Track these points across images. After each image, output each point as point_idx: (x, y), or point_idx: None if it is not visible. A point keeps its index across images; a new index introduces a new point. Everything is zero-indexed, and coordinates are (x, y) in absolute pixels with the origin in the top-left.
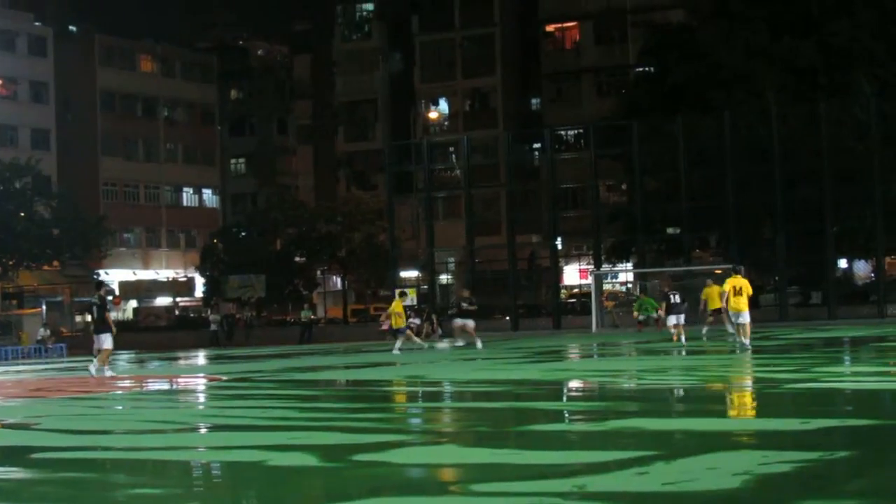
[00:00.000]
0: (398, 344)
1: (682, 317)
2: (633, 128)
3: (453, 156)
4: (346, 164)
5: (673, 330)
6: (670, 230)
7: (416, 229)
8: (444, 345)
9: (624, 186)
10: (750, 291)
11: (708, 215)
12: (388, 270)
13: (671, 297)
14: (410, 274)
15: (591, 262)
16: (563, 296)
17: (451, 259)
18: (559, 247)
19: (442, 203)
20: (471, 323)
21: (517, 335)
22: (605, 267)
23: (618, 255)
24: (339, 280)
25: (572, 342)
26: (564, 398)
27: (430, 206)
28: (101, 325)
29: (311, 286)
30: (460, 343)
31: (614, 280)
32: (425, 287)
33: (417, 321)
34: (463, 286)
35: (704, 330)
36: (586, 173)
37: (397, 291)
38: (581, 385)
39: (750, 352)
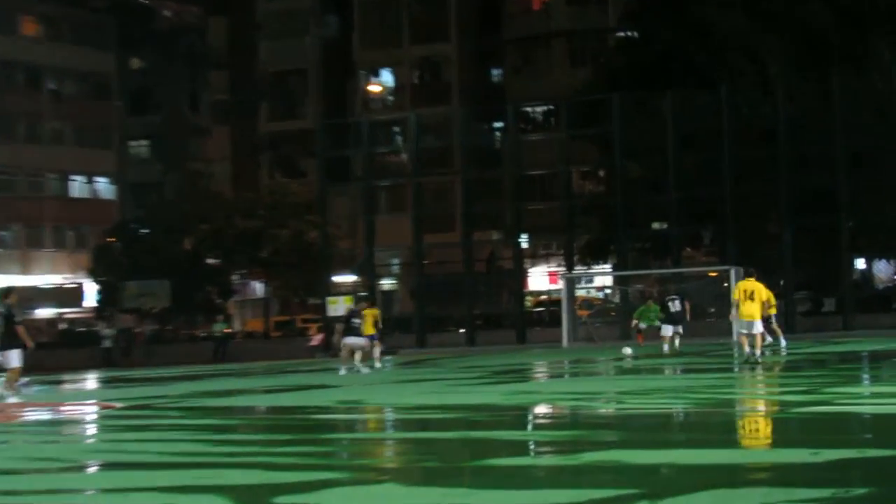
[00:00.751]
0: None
1: (680, 327)
2: (613, 103)
3: (399, 137)
4: (271, 148)
5: (666, 346)
6: (656, 225)
7: (353, 225)
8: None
9: (601, 174)
10: (764, 297)
11: (701, 208)
12: (320, 275)
13: (670, 304)
14: (346, 279)
15: (563, 263)
16: (528, 304)
17: (396, 261)
18: (524, 245)
19: (385, 194)
20: (361, 341)
21: (474, 351)
22: (579, 269)
23: (594, 256)
24: (260, 287)
25: (539, 359)
26: (529, 426)
27: (371, 198)
28: (9, 340)
29: (227, 294)
30: (344, 371)
31: (589, 285)
32: (364, 294)
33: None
34: (410, 292)
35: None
36: (557, 158)
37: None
38: (550, 410)
39: (760, 367)
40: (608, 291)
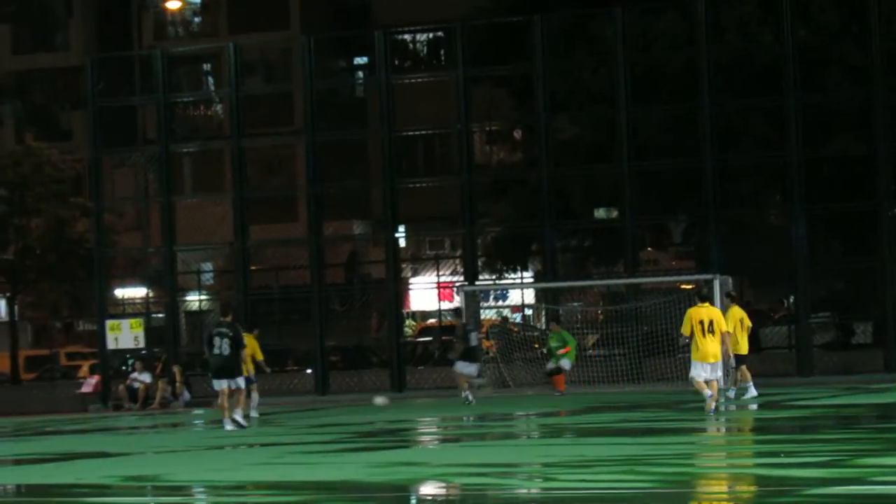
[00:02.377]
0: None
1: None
2: (535, 28)
3: (210, 79)
4: (18, 95)
5: (468, 393)
6: (601, 213)
7: (143, 211)
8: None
9: (517, 134)
10: (723, 327)
11: (669, 187)
12: (92, 285)
13: (470, 335)
14: (134, 292)
15: (460, 270)
16: (408, 332)
17: (208, 266)
18: (402, 244)
19: (191, 164)
20: (473, 370)
21: (327, 402)
22: (485, 280)
23: (507, 259)
24: (2, 303)
25: (426, 414)
26: None
27: (169, 172)
28: None
29: None
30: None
31: (501, 303)
32: (159, 315)
33: (146, 378)
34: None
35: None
36: (449, 111)
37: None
38: (441, 492)
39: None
40: (529, 312)
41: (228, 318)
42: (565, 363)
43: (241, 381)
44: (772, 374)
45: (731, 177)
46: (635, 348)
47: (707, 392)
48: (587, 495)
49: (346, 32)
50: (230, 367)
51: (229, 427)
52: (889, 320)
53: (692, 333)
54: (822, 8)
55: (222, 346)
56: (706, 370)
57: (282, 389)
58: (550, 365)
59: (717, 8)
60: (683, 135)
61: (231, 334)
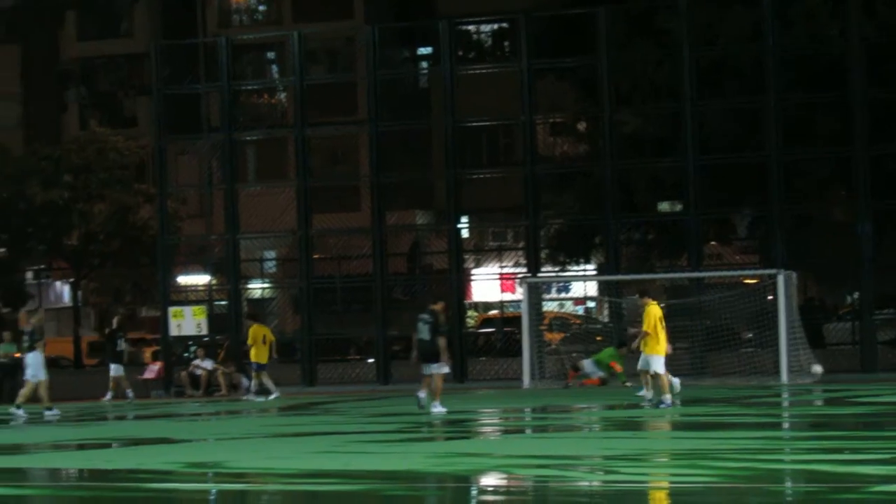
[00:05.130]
0: (253, 383)
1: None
2: (599, 21)
3: (274, 68)
4: (82, 81)
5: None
6: (665, 206)
7: (206, 199)
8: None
9: (581, 127)
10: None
11: (733, 181)
12: (155, 272)
13: (420, 325)
14: (197, 279)
15: (522, 261)
16: (471, 323)
17: (271, 254)
18: (464, 234)
19: (254, 153)
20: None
21: (388, 391)
22: (548, 271)
23: (570, 252)
24: (66, 289)
25: (487, 405)
26: None
27: (233, 160)
28: None
29: (17, 299)
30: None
31: (564, 295)
32: (222, 302)
33: (208, 365)
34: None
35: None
36: (512, 102)
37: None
38: (502, 483)
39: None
40: (592, 305)
41: (437, 307)
42: (595, 370)
43: (440, 367)
44: (836, 371)
45: (796, 171)
46: (698, 342)
47: (676, 381)
48: (648, 489)
49: (411, 22)
50: (431, 352)
51: (437, 409)
52: None
53: (654, 329)
54: (889, 2)
55: (423, 332)
56: (656, 363)
57: (343, 378)
58: (591, 369)
59: (783, 1)
60: (748, 129)
61: (431, 321)
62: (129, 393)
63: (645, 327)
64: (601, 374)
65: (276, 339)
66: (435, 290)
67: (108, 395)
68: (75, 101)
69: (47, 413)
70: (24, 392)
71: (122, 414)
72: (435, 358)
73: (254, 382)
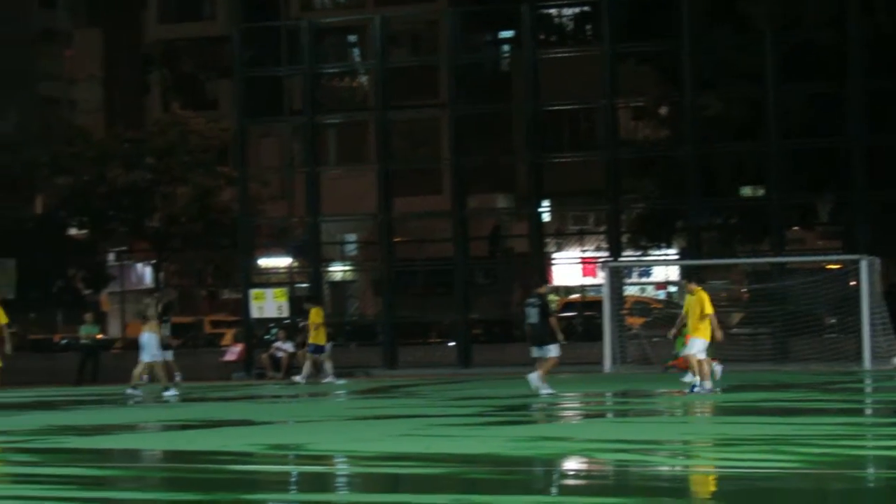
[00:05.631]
0: (305, 370)
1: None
2: (682, 5)
3: (355, 51)
4: (163, 64)
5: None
6: (747, 191)
7: (288, 182)
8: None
9: (663, 111)
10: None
11: (817, 165)
12: (237, 254)
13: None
14: (278, 261)
15: (604, 245)
16: (552, 306)
17: (352, 237)
18: (545, 218)
19: (335, 136)
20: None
21: (469, 374)
22: (629, 255)
23: (651, 236)
24: (148, 271)
25: (568, 389)
26: (553, 491)
27: (314, 142)
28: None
29: (100, 281)
30: None
31: (645, 279)
32: (303, 285)
33: (289, 347)
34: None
35: None
36: (594, 86)
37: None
38: (583, 467)
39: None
40: (673, 290)
41: (543, 289)
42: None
43: (551, 350)
44: None
45: (880, 156)
46: (780, 327)
47: (718, 368)
48: (730, 474)
49: (493, 6)
50: (542, 335)
51: (545, 391)
52: None
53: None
54: None
55: (532, 316)
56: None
57: (424, 361)
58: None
59: None
60: (831, 113)
61: (539, 304)
62: (178, 376)
63: (708, 311)
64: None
65: (356, 320)
66: (518, 275)
67: (145, 380)
68: (157, 83)
69: (166, 393)
70: (136, 371)
71: (204, 396)
72: (550, 339)
73: (307, 365)
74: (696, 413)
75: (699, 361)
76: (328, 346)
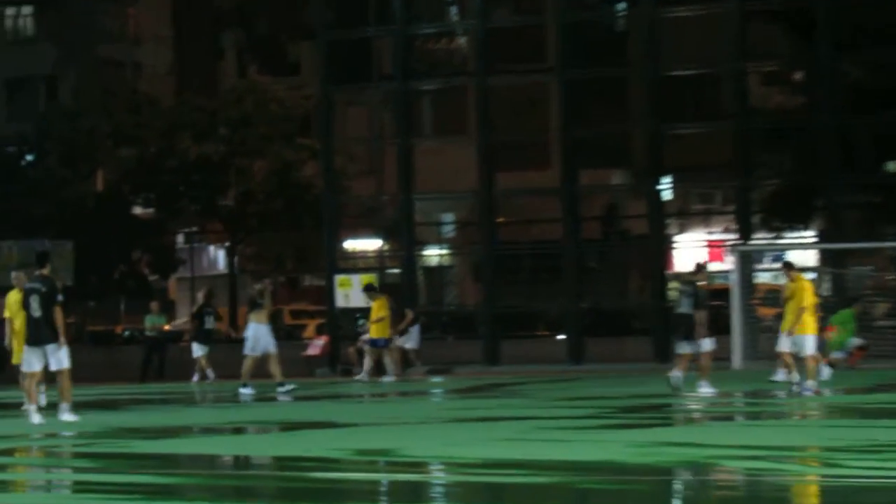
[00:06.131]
0: (365, 365)
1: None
2: None
3: (454, 10)
4: (239, 24)
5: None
6: (893, 165)
7: (377, 155)
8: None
9: (798, 75)
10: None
11: None
12: (322, 236)
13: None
14: (366, 244)
15: (732, 227)
16: (672, 296)
17: (449, 217)
18: (667, 196)
19: (430, 104)
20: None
21: (581, 371)
22: (761, 238)
23: (786, 216)
24: (221, 255)
25: (692, 388)
26: (679, 503)
27: (407, 111)
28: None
29: (167, 266)
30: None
31: (778, 265)
32: (395, 271)
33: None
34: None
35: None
36: (721, 48)
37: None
38: (713, 477)
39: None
40: (811, 276)
41: (696, 276)
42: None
43: (707, 343)
44: None
45: None
46: None
47: (795, 374)
48: (877, 484)
49: None
50: (692, 327)
51: (705, 390)
52: None
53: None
54: None
55: (684, 305)
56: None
57: (530, 357)
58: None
59: None
60: None
61: (693, 293)
62: (210, 374)
63: (802, 303)
64: (857, 342)
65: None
66: (636, 259)
67: (195, 378)
68: (232, 46)
69: (242, 391)
70: (245, 368)
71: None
72: (701, 332)
73: (367, 360)
74: (837, 415)
75: (810, 358)
76: (395, 339)
